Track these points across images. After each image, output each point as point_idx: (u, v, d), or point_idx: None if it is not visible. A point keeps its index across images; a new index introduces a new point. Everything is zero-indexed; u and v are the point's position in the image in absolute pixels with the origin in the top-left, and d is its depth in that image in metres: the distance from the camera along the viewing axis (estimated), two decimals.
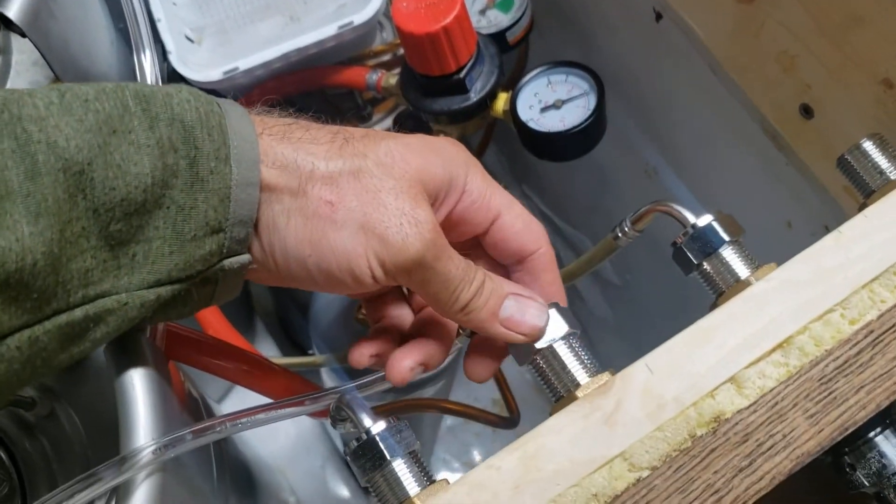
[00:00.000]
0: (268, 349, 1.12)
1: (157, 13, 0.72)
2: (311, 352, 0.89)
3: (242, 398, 0.73)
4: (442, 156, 0.42)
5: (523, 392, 0.94)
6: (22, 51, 0.66)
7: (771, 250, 0.47)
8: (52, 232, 0.34)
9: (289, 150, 0.39)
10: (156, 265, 0.38)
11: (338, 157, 0.39)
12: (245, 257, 0.40)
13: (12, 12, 0.52)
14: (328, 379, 0.86)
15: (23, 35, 0.53)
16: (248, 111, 0.40)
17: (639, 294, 0.98)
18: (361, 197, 0.39)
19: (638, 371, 0.39)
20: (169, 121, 0.37)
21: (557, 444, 0.37)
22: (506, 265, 0.46)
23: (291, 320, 1.17)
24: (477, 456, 1.25)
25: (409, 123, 0.83)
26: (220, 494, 0.57)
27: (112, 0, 0.70)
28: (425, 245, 0.39)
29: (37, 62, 0.65)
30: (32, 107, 0.35)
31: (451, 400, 0.76)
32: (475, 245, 0.46)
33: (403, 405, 0.68)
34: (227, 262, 0.40)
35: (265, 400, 0.58)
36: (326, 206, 0.39)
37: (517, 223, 0.44)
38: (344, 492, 1.08)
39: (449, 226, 0.43)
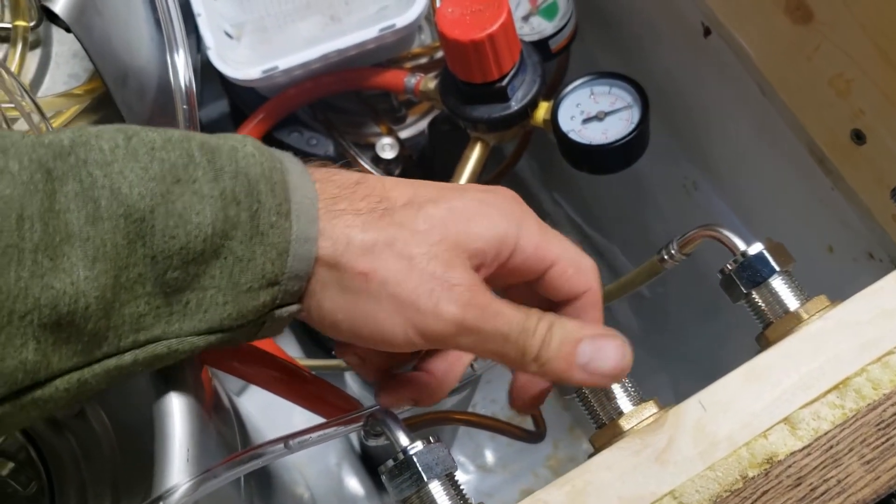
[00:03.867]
0: (290, 348, 1.12)
1: (198, 8, 0.72)
2: (334, 353, 0.88)
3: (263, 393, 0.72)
4: (490, 217, 0.41)
5: None
6: (62, 42, 0.65)
7: (810, 274, 0.46)
8: (108, 277, 0.35)
9: (328, 224, 0.39)
10: (208, 314, 0.38)
11: (375, 227, 0.39)
12: (295, 307, 0.40)
13: (58, 7, 0.52)
14: (352, 382, 0.85)
15: (67, 30, 0.53)
16: (307, 169, 0.41)
17: (669, 308, 0.97)
18: (394, 265, 0.39)
19: (691, 408, 0.38)
20: (233, 174, 0.38)
21: (607, 480, 0.36)
22: (552, 301, 0.45)
23: None
24: (490, 458, 1.25)
25: (444, 128, 0.82)
26: (247, 495, 0.57)
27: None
28: (461, 307, 0.38)
29: (76, 54, 0.65)
30: (98, 151, 0.35)
31: (476, 413, 0.75)
32: (520, 284, 0.45)
33: (429, 418, 0.68)
34: (277, 312, 0.40)
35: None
36: (360, 278, 0.39)
37: (569, 270, 0.43)
38: (359, 489, 1.08)
39: (498, 278, 0.43)
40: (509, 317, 0.39)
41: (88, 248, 0.34)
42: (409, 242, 0.39)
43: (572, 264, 0.43)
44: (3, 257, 0.32)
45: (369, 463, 1.09)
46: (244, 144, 0.39)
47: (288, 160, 0.40)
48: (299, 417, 0.71)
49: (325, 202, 0.40)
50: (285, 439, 0.44)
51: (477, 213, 0.41)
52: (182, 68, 0.62)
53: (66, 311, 0.33)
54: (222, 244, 0.37)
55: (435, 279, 0.38)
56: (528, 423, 0.79)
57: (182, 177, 0.36)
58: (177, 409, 0.44)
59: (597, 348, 0.39)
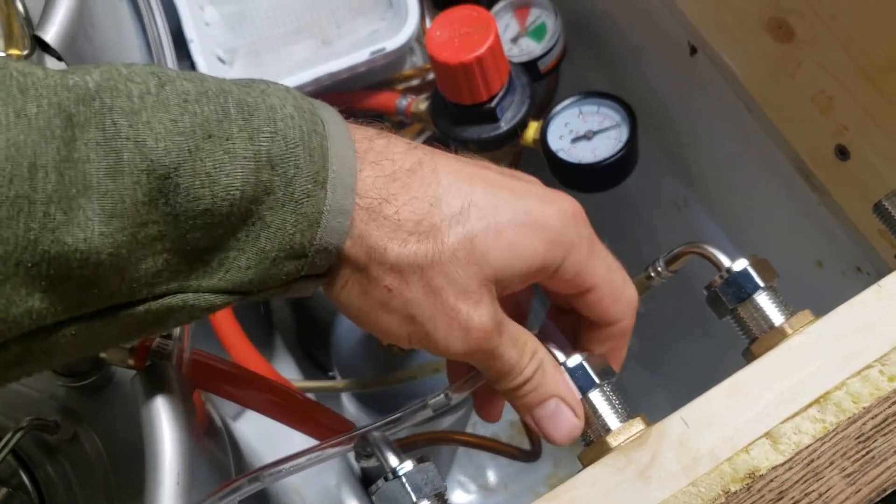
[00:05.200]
0: (287, 368, 1.12)
1: (190, 34, 0.73)
2: (331, 374, 0.89)
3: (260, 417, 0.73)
4: (537, 243, 0.39)
5: None
6: None
7: (800, 289, 0.47)
8: (124, 234, 0.33)
9: (367, 227, 0.38)
10: (230, 274, 0.36)
11: (413, 247, 0.38)
12: (319, 280, 0.39)
13: (49, 36, 0.52)
14: (349, 404, 0.86)
15: (59, 58, 0.53)
16: (350, 133, 0.38)
17: (664, 324, 0.97)
18: (420, 293, 0.38)
19: (674, 424, 0.38)
20: (270, 135, 0.35)
21: (591, 497, 0.36)
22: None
23: (312, 339, 1.17)
24: (492, 478, 1.24)
25: (437, 148, 0.83)
26: None
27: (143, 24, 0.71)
28: (469, 349, 0.39)
29: None
30: (126, 97, 0.33)
31: (472, 433, 0.75)
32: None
33: (424, 438, 0.68)
34: (300, 284, 0.39)
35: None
36: (383, 291, 0.38)
37: (605, 300, 0.42)
38: None
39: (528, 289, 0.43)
40: (506, 359, 0.40)
41: (106, 202, 0.32)
42: (441, 273, 0.38)
43: (610, 294, 0.42)
44: (12, 207, 0.30)
45: (368, 484, 1.08)
46: (283, 104, 0.36)
47: (332, 123, 0.38)
48: (298, 441, 0.71)
49: (372, 200, 0.38)
50: (272, 466, 0.44)
51: (524, 237, 0.39)
52: None
53: (76, 266, 0.32)
54: (251, 209, 0.35)
55: (456, 318, 0.38)
56: (524, 443, 0.80)
57: (215, 132, 0.34)
58: (167, 435, 0.44)
59: (558, 412, 0.41)
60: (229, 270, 0.36)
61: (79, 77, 0.32)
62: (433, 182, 0.39)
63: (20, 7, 0.55)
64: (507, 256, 0.39)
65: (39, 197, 0.30)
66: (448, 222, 0.38)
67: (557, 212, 0.40)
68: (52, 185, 0.31)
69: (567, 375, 0.43)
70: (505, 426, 1.26)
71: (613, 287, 0.42)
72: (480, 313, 0.39)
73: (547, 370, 0.41)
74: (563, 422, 0.41)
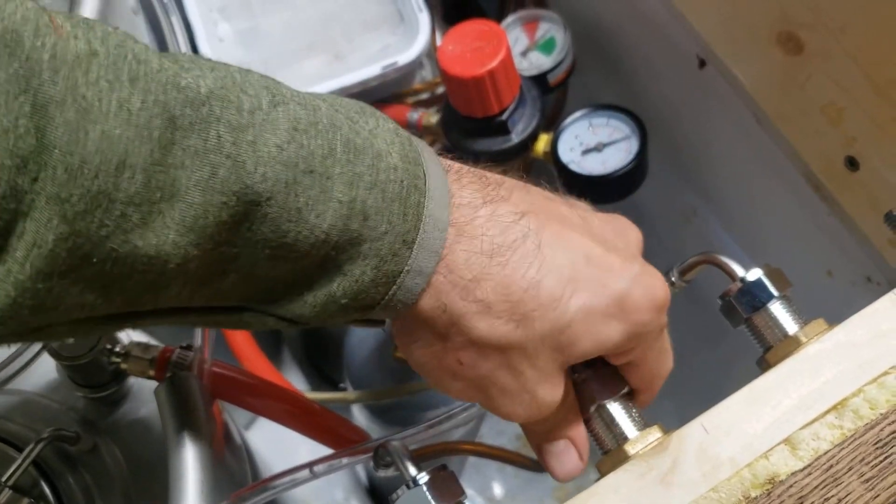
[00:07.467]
0: (295, 380, 1.12)
1: (204, 49, 0.74)
2: (342, 385, 0.89)
3: (269, 425, 0.74)
4: (626, 326, 0.39)
5: None
6: None
7: (810, 299, 0.47)
8: (197, 250, 0.31)
9: (458, 304, 0.36)
10: (293, 306, 0.35)
11: (502, 325, 0.37)
12: (378, 325, 0.39)
13: None
14: (359, 415, 0.86)
15: None
16: (450, 194, 0.37)
17: (671, 335, 0.98)
18: (495, 368, 0.38)
19: (694, 431, 0.39)
20: (370, 185, 0.34)
21: (614, 502, 0.37)
22: None
23: (320, 352, 1.17)
24: (498, 490, 1.24)
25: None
26: None
27: (159, 38, 0.72)
28: (529, 419, 0.40)
29: None
30: (236, 110, 0.32)
31: (484, 443, 0.76)
32: None
33: (437, 449, 0.68)
34: (358, 324, 0.39)
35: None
36: (455, 364, 0.38)
37: (643, 377, 0.43)
38: None
39: None
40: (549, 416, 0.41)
41: (188, 214, 0.31)
42: (523, 356, 0.38)
43: (650, 374, 0.43)
44: (91, 202, 0.29)
45: (377, 495, 1.09)
46: (389, 151, 0.35)
47: (433, 176, 0.36)
48: (305, 449, 0.72)
49: (462, 279, 0.36)
50: (299, 469, 0.45)
51: (611, 327, 0.38)
52: None
53: (141, 269, 0.31)
54: (330, 255, 0.34)
55: (531, 400, 0.39)
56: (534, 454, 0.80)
57: (317, 168, 0.33)
58: (191, 444, 0.44)
59: (566, 452, 0.42)
60: (293, 303, 0.35)
61: (192, 79, 0.31)
62: (534, 262, 0.37)
63: None
64: (591, 345, 0.38)
65: (120, 196, 0.29)
66: (543, 310, 0.37)
67: (650, 302, 0.39)
68: (137, 186, 0.29)
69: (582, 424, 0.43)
70: (512, 438, 1.26)
71: (658, 370, 0.43)
72: (554, 395, 0.39)
73: (568, 415, 0.42)
74: (568, 462, 0.42)
